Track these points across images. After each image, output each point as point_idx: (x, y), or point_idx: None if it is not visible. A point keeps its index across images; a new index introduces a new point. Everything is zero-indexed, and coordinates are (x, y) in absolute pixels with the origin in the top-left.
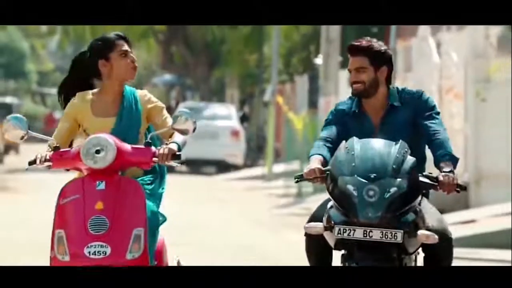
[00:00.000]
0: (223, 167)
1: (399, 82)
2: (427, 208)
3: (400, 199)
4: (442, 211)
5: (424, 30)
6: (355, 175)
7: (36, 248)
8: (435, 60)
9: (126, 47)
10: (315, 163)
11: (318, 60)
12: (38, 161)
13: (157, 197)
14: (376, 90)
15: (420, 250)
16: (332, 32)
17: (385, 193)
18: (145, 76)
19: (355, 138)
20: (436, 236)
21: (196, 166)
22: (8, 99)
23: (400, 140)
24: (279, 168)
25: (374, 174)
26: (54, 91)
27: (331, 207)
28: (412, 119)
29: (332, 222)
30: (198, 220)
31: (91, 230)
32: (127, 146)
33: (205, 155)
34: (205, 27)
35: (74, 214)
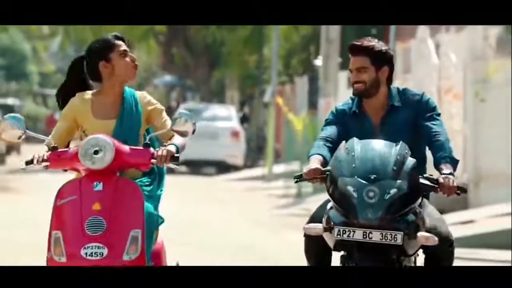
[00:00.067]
0: (223, 167)
1: (399, 83)
2: (428, 209)
3: (400, 200)
4: (441, 212)
5: (423, 31)
6: (355, 176)
7: (36, 248)
8: (434, 61)
9: (125, 47)
10: (314, 163)
11: (318, 61)
12: (35, 161)
13: (155, 199)
14: (377, 90)
15: (420, 251)
16: (331, 34)
17: (385, 195)
18: (145, 77)
19: (355, 139)
20: (436, 238)
21: (196, 166)
22: (10, 100)
23: (401, 141)
24: (279, 168)
25: (374, 175)
26: (55, 92)
27: (331, 208)
28: (413, 119)
29: (332, 223)
30: (198, 220)
31: (88, 231)
32: (126, 147)
33: (205, 155)
34: (205, 29)
35: (71, 215)
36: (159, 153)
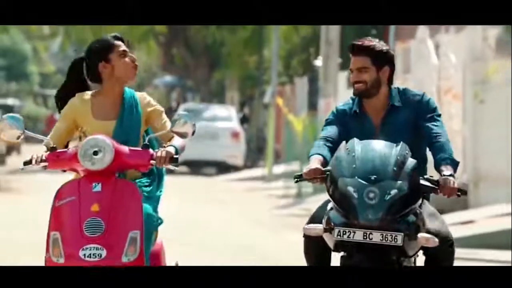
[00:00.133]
0: (223, 168)
1: (398, 83)
2: (428, 210)
3: (401, 201)
4: (441, 212)
5: (422, 32)
6: (356, 177)
7: (36, 248)
8: (433, 61)
9: (124, 47)
10: (314, 163)
11: (318, 62)
12: (33, 161)
13: (154, 200)
14: (377, 90)
15: (420, 252)
16: (331, 34)
17: (386, 195)
18: (146, 77)
19: (355, 139)
20: (437, 239)
21: (196, 167)
22: (10, 101)
23: (401, 142)
24: (279, 169)
25: (375, 176)
26: (55, 93)
27: (331, 208)
28: (413, 120)
29: (332, 224)
30: (198, 220)
31: (87, 232)
32: (125, 148)
33: (206, 156)
34: (205, 30)
35: (69, 216)
36: (158, 154)
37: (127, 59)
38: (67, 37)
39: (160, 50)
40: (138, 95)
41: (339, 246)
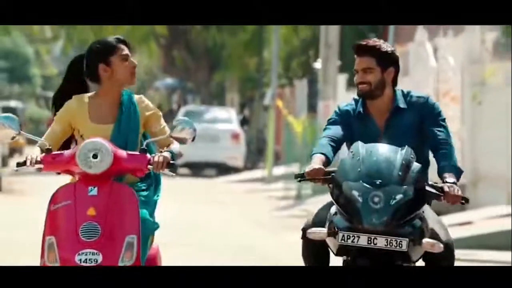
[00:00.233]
0: (223, 169)
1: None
2: (429, 214)
3: (406, 206)
4: (438, 213)
5: (421, 35)
6: (360, 181)
7: (36, 249)
8: (432, 64)
9: (126, 51)
10: (317, 163)
11: (317, 64)
12: (28, 163)
13: (151, 204)
14: (382, 92)
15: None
16: (330, 37)
17: (391, 200)
18: (147, 80)
19: (360, 143)
20: (441, 245)
21: (197, 168)
22: (13, 103)
23: (406, 146)
24: (278, 170)
25: (380, 180)
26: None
27: (335, 213)
28: (418, 123)
29: (336, 228)
30: (199, 221)
31: (83, 236)
32: (123, 152)
33: (206, 157)
34: (206, 32)
35: (65, 220)
36: (155, 159)
37: (127, 63)
38: (69, 40)
39: (160, 52)
40: (136, 97)
41: (343, 250)
